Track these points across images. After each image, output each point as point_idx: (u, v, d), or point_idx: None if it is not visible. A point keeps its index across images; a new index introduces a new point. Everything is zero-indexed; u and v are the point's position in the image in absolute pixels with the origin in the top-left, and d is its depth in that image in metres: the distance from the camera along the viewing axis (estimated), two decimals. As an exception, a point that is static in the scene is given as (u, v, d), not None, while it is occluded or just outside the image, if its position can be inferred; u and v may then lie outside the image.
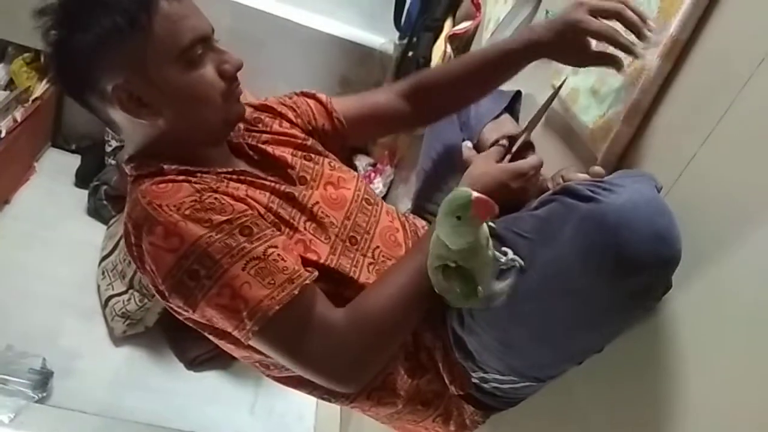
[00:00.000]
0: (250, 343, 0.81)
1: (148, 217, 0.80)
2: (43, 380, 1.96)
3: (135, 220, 0.82)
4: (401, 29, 2.25)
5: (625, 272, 0.66)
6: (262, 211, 0.86)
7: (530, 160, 0.97)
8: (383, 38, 2.40)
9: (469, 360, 0.89)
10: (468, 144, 1.20)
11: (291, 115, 1.04)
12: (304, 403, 2.25)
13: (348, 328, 0.83)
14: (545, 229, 0.72)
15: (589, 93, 1.00)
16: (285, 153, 0.98)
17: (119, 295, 2.20)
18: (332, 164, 1.02)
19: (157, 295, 0.88)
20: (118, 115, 0.86)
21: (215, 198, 0.81)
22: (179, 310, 0.88)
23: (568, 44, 0.91)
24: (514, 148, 1.02)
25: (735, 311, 0.68)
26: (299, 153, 1.00)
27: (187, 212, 0.79)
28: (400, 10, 2.23)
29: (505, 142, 1.03)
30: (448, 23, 1.96)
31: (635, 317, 0.76)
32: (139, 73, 0.82)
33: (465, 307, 0.85)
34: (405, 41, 2.15)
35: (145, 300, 2.16)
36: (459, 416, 0.99)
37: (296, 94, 1.09)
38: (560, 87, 1.04)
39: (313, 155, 1.01)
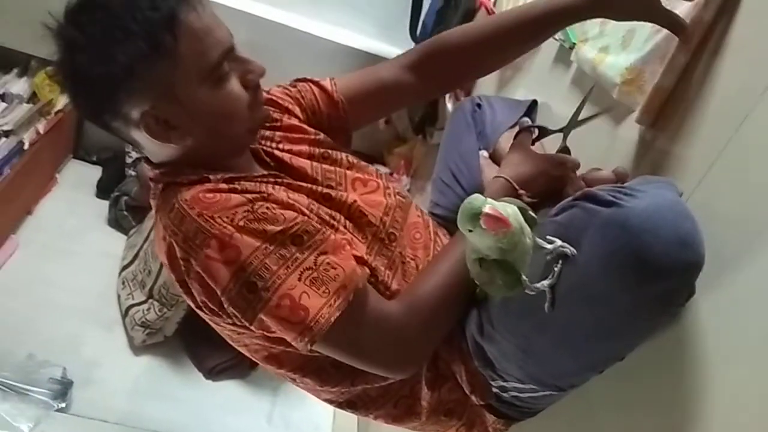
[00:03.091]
0: (311, 348, 0.80)
1: (201, 229, 0.78)
2: (63, 390, 1.98)
3: (185, 233, 0.79)
4: (416, 40, 2.26)
5: (648, 277, 0.65)
6: (306, 212, 0.85)
7: (570, 156, 0.96)
8: (399, 49, 2.38)
9: (489, 368, 0.89)
10: (484, 153, 1.20)
11: (297, 110, 1.02)
12: (322, 413, 2.25)
13: (403, 318, 0.85)
14: (566, 234, 0.72)
15: (619, 47, 1.00)
16: (303, 162, 0.96)
17: (139, 304, 2.23)
18: (350, 159, 1.01)
19: (202, 310, 0.86)
20: (142, 137, 0.83)
21: (267, 207, 0.80)
22: (219, 323, 0.87)
23: None
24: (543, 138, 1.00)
25: (760, 318, 0.67)
26: (316, 152, 0.98)
27: (241, 223, 0.77)
28: (415, 21, 2.24)
29: (534, 128, 1.01)
30: (463, 33, 1.96)
31: (658, 324, 0.75)
32: (166, 98, 0.79)
33: (483, 312, 0.86)
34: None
35: (165, 309, 2.18)
36: (481, 425, 0.98)
37: (299, 80, 1.05)
38: (590, 91, 1.01)
39: (330, 152, 0.99)
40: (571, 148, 0.99)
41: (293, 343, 0.80)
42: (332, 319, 0.78)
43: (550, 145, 1.05)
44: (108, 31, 0.75)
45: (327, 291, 0.78)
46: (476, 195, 0.72)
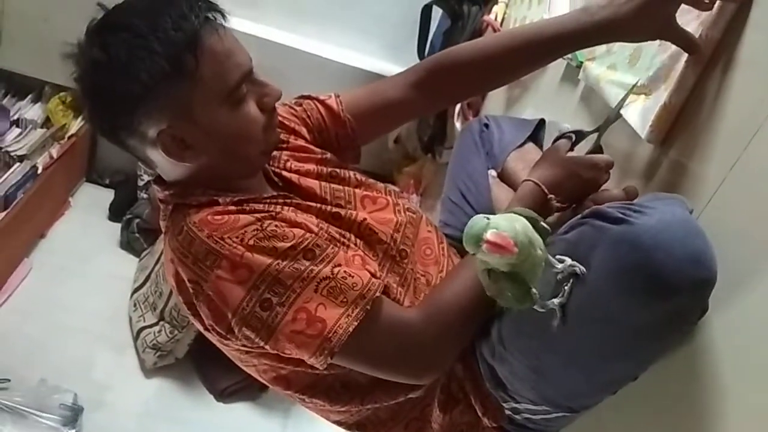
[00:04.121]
0: (330, 361, 0.79)
1: (211, 251, 0.78)
2: (73, 416, 1.99)
3: (195, 255, 0.79)
4: (425, 60, 2.28)
5: (660, 295, 0.65)
6: (316, 230, 0.85)
7: (603, 155, 0.94)
8: (407, 70, 2.43)
9: (500, 389, 0.88)
10: (492, 173, 1.20)
11: (304, 130, 1.02)
12: (333, 435, 2.23)
13: (422, 325, 0.84)
14: (575, 252, 0.71)
15: (626, 66, 0.99)
16: (312, 182, 0.96)
17: (150, 326, 2.23)
18: (358, 177, 1.01)
19: (210, 333, 0.85)
20: (156, 155, 0.84)
21: (276, 225, 0.80)
22: (232, 346, 0.86)
23: (653, 18, 0.83)
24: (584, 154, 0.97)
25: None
26: (324, 172, 0.98)
27: (251, 242, 0.78)
28: (423, 42, 2.26)
29: (571, 135, 0.98)
30: (471, 53, 1.97)
31: (672, 342, 0.74)
32: (184, 117, 0.80)
33: (495, 333, 0.85)
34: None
35: (176, 331, 2.18)
36: (494, 447, 0.97)
37: (304, 97, 1.05)
38: (632, 89, 0.95)
39: (337, 170, 0.99)
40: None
41: (310, 361, 0.79)
42: (350, 329, 0.77)
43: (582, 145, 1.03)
44: (131, 50, 0.76)
45: (345, 300, 0.78)
46: (479, 217, 0.70)
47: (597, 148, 0.96)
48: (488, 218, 0.70)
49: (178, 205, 0.86)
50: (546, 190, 0.91)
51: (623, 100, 0.95)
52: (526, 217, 0.75)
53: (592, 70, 1.11)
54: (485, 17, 1.93)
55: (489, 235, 0.68)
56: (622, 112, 0.95)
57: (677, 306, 0.67)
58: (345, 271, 0.80)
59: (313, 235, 0.82)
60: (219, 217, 0.81)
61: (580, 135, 0.99)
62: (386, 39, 2.59)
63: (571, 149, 0.97)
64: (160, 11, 0.77)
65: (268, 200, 0.88)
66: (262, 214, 0.82)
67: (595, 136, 0.97)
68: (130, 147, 0.85)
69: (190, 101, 0.79)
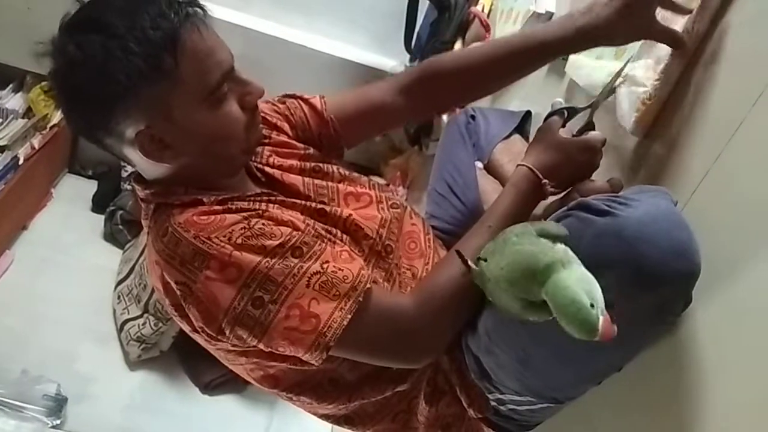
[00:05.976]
0: (326, 356, 0.78)
1: (198, 251, 0.77)
2: (57, 407, 1.97)
3: (182, 257, 0.78)
4: (411, 52, 2.27)
5: (644, 287, 0.65)
6: (302, 227, 0.84)
7: (597, 134, 0.92)
8: (394, 61, 2.42)
9: (485, 380, 0.88)
10: (479, 165, 1.20)
11: (286, 126, 1.01)
12: (319, 428, 2.23)
13: (416, 310, 0.84)
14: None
15: (612, 57, 1.00)
16: (295, 178, 0.95)
17: (134, 319, 2.21)
18: (341, 172, 1.00)
19: (198, 334, 0.84)
20: (135, 155, 0.82)
21: (263, 223, 0.79)
22: (220, 346, 0.85)
23: (633, 19, 0.83)
24: (575, 131, 0.95)
25: (756, 325, 0.67)
26: (307, 167, 0.97)
27: (239, 241, 0.76)
28: (410, 33, 2.25)
29: (564, 110, 0.97)
30: (457, 45, 1.97)
31: (655, 333, 0.75)
32: (163, 118, 0.78)
33: (481, 325, 0.85)
34: (415, 63, 2.17)
35: (160, 324, 2.17)
36: (479, 438, 0.97)
37: (288, 96, 1.03)
38: (624, 67, 0.94)
39: (320, 165, 0.98)
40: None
41: (305, 357, 0.78)
42: (344, 323, 0.77)
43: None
44: (107, 49, 0.73)
45: (337, 293, 0.78)
46: (586, 306, 0.63)
47: (589, 124, 0.95)
48: (596, 306, 0.63)
49: (160, 205, 0.84)
50: (540, 176, 0.90)
51: (616, 76, 0.94)
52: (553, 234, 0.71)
53: (577, 61, 1.11)
54: (472, 8, 1.92)
55: (603, 320, 0.62)
56: (611, 98, 0.95)
57: (661, 298, 0.67)
58: (334, 266, 0.80)
59: (300, 233, 0.81)
60: (205, 216, 0.79)
61: (572, 111, 0.97)
62: (373, 30, 2.57)
63: (563, 126, 0.96)
64: (139, 8, 0.75)
65: (252, 198, 0.87)
66: (249, 213, 0.81)
67: (587, 113, 0.96)
68: (108, 146, 0.83)
69: (169, 101, 0.77)
